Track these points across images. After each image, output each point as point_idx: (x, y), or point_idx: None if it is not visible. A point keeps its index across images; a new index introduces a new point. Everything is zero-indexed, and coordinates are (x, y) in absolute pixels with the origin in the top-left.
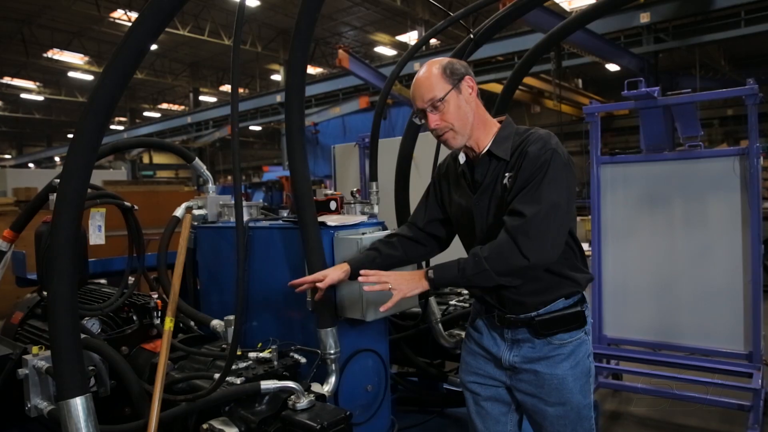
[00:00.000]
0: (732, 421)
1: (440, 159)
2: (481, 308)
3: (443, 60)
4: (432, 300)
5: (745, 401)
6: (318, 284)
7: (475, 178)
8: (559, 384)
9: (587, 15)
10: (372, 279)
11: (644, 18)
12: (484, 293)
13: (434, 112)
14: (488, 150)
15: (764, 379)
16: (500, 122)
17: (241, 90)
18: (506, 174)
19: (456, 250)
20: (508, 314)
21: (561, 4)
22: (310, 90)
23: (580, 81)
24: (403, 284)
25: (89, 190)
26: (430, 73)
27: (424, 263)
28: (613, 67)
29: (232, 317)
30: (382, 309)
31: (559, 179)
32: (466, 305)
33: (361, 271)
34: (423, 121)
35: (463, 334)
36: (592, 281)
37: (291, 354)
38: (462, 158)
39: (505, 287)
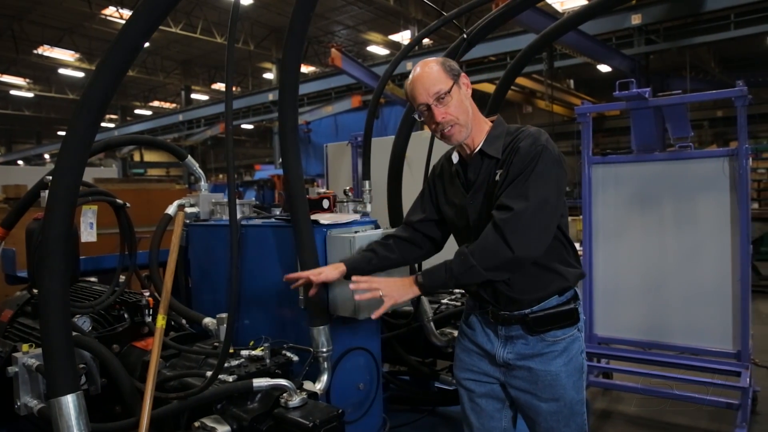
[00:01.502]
0: (721, 420)
1: (433, 158)
2: (474, 305)
3: (438, 58)
4: (424, 299)
5: (734, 400)
6: (312, 278)
7: (468, 177)
8: (553, 380)
9: (580, 16)
10: (363, 286)
11: (636, 19)
12: (480, 288)
13: (439, 105)
14: (480, 149)
15: (752, 377)
16: (492, 122)
17: (233, 88)
18: (497, 171)
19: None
20: (502, 311)
21: (553, 5)
22: (303, 89)
23: (571, 82)
24: (394, 291)
25: (81, 187)
26: (431, 68)
27: (417, 266)
28: (604, 68)
29: (224, 315)
30: (373, 316)
31: (547, 174)
32: (458, 304)
33: (353, 278)
34: (422, 118)
35: (455, 332)
36: (584, 278)
37: (283, 352)
38: (455, 158)
39: (499, 283)
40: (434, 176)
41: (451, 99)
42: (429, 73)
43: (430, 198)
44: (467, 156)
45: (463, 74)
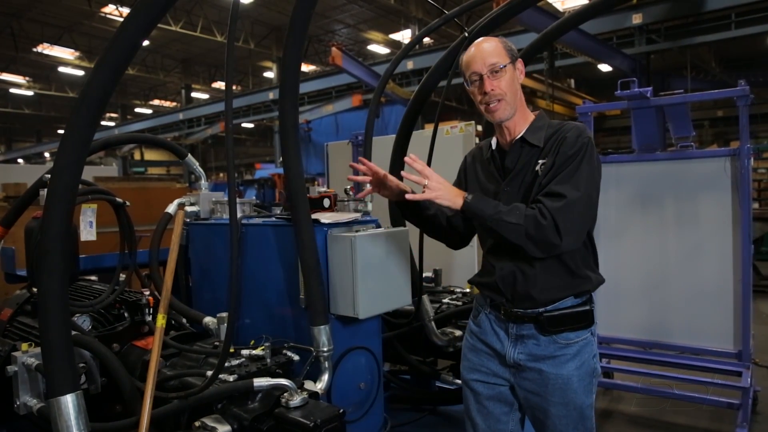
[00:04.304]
0: (721, 419)
1: (434, 158)
2: (485, 302)
3: (501, 38)
4: (425, 298)
5: (734, 399)
6: (378, 175)
7: (505, 165)
8: (564, 384)
9: (581, 15)
10: (417, 167)
11: (636, 19)
12: (499, 280)
13: (492, 77)
14: (522, 137)
15: (753, 377)
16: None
17: (233, 87)
18: (540, 161)
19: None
20: (515, 308)
21: (554, 4)
22: (303, 87)
23: (572, 81)
24: (440, 189)
25: (80, 186)
26: (492, 42)
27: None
28: (605, 68)
29: (224, 314)
30: (408, 197)
31: (593, 169)
32: (459, 303)
33: (412, 155)
34: (472, 87)
35: (456, 332)
36: (602, 284)
37: (284, 351)
38: (494, 144)
39: (520, 278)
40: (466, 165)
41: (504, 74)
42: (488, 47)
43: (459, 188)
44: (506, 143)
45: (519, 60)
